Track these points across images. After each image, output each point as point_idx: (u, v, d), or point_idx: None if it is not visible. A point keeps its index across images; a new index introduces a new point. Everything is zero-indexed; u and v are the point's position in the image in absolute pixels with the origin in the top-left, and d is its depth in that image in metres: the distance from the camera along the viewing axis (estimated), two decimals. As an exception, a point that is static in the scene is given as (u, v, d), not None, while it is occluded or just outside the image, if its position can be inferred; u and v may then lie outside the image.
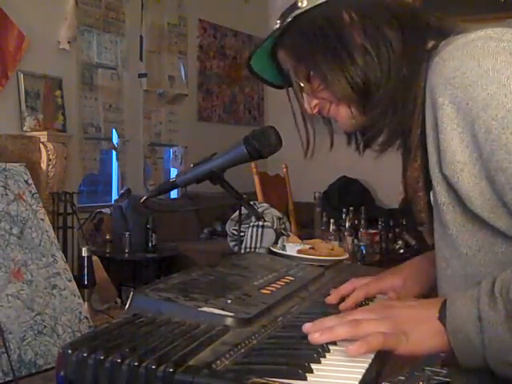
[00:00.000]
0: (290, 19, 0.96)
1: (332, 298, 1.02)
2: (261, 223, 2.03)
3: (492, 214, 0.78)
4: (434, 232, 0.89)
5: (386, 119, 0.91)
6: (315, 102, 0.98)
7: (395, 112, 0.90)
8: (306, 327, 0.79)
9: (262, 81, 1.07)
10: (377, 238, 3.89)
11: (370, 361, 0.74)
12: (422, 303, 0.81)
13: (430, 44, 0.87)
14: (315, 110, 0.98)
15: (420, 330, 0.76)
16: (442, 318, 0.76)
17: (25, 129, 4.42)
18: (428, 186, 0.90)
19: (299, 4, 0.95)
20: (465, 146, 0.77)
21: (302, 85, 0.98)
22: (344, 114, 0.96)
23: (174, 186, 1.33)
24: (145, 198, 1.40)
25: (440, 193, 0.84)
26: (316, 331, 0.77)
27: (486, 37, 0.79)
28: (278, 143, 1.08)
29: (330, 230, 3.03)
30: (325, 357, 0.74)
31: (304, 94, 0.98)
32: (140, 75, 5.58)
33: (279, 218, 2.16)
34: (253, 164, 3.50)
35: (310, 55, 0.94)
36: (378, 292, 1.05)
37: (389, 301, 0.85)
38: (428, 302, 0.80)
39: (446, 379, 1.19)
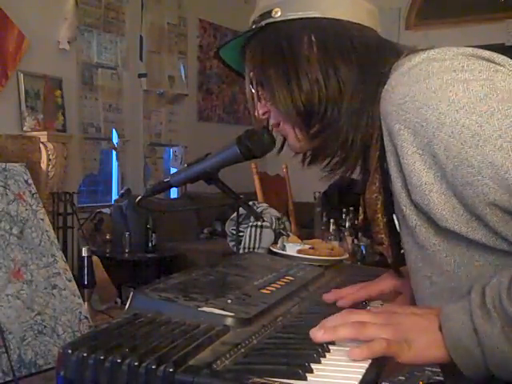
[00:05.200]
0: (261, 24, 0.96)
1: (329, 296, 1.02)
2: (259, 223, 2.04)
3: (469, 228, 0.78)
4: (410, 254, 0.90)
5: (330, 147, 0.94)
6: (265, 109, 1.00)
7: (339, 141, 0.92)
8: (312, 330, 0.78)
9: (230, 68, 1.08)
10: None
11: (370, 361, 0.74)
12: (426, 312, 0.80)
13: (387, 68, 0.88)
14: (264, 117, 1.01)
15: (423, 340, 0.76)
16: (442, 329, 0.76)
17: (25, 129, 4.42)
18: (386, 207, 0.92)
19: (273, 13, 0.95)
20: (428, 167, 0.78)
21: (253, 91, 1.00)
22: (291, 136, 0.98)
23: (168, 186, 1.33)
24: (139, 198, 1.41)
25: (410, 216, 0.84)
26: (319, 329, 0.77)
27: (428, 59, 0.81)
28: (270, 143, 1.08)
29: (330, 230, 3.03)
30: (325, 357, 0.74)
31: (255, 100, 1.00)
32: (140, 75, 5.58)
33: (278, 218, 2.16)
34: (253, 164, 3.50)
35: (265, 67, 0.96)
36: (379, 292, 1.05)
37: (393, 306, 0.84)
38: (431, 311, 0.80)
39: (441, 378, 1.20)
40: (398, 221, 0.90)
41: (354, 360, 0.73)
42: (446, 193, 0.77)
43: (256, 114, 1.01)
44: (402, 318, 0.79)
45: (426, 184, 0.78)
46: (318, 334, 0.76)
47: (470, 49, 0.82)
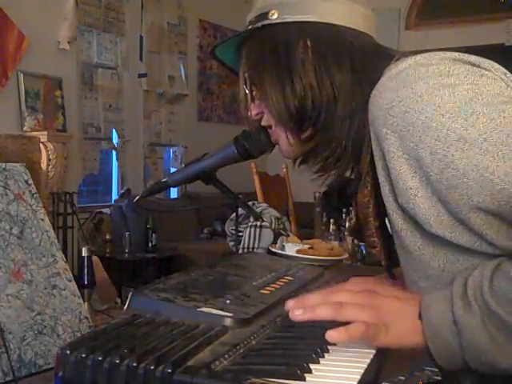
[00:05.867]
0: (258, 25, 0.96)
1: None
2: (259, 223, 2.03)
3: (453, 233, 0.78)
4: (399, 258, 0.90)
5: (322, 151, 0.94)
6: (257, 110, 1.00)
7: (331, 145, 0.92)
8: (289, 304, 0.79)
9: (225, 67, 1.07)
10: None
11: (368, 361, 0.74)
12: (407, 297, 0.81)
13: (380, 74, 0.88)
14: (256, 118, 1.01)
15: (401, 325, 0.77)
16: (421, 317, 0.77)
17: (25, 129, 4.43)
18: (378, 211, 0.92)
19: (269, 15, 0.95)
20: (413, 171, 0.78)
21: (246, 91, 0.99)
22: (283, 140, 0.98)
23: (165, 186, 1.33)
24: (137, 198, 1.41)
25: (396, 220, 0.85)
26: (298, 308, 0.78)
27: (415, 64, 0.81)
28: (268, 143, 1.08)
29: (330, 230, 3.02)
30: (323, 357, 0.74)
31: (249, 101, 1.00)
32: (140, 75, 5.58)
33: (277, 218, 2.16)
34: (253, 164, 3.51)
35: (260, 69, 0.96)
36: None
37: (376, 285, 0.85)
38: (413, 296, 0.81)
39: (439, 378, 1.20)
40: (390, 224, 0.90)
41: (332, 341, 0.74)
42: (431, 198, 0.78)
43: (248, 114, 1.01)
44: (382, 301, 0.80)
45: (411, 188, 0.79)
46: (296, 313, 0.77)
47: (456, 53, 0.83)
